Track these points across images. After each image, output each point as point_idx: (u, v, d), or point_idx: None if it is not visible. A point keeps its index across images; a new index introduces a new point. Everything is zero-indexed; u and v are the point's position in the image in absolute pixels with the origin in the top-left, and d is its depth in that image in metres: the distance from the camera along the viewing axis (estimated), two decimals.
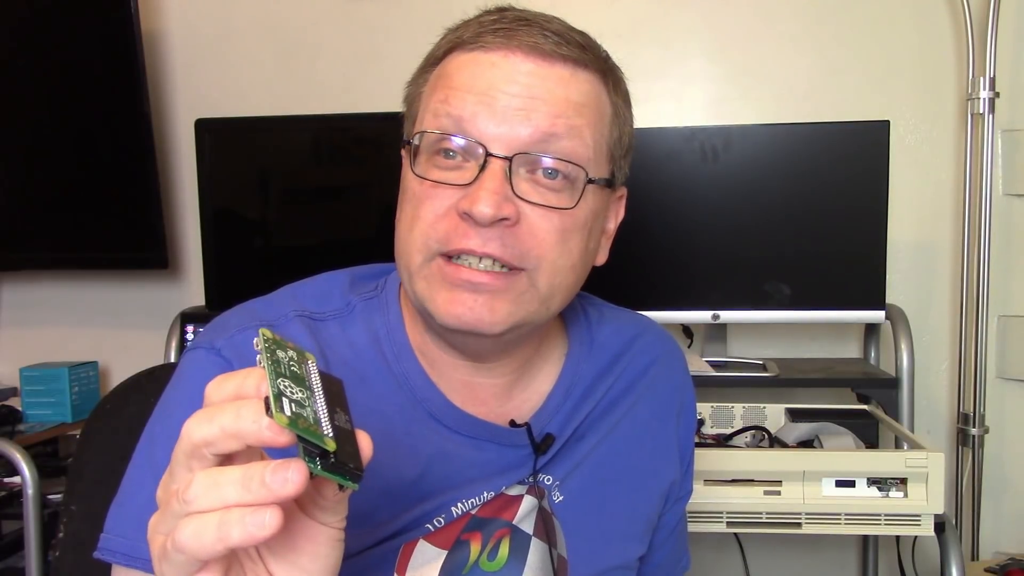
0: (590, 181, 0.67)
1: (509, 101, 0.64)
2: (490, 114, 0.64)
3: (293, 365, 0.44)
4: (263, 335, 0.44)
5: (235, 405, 0.43)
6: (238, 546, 0.41)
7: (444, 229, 0.65)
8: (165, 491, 0.45)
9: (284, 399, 0.41)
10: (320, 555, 0.47)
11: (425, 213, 0.66)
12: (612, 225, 0.76)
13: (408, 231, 0.67)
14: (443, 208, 0.65)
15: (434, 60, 0.71)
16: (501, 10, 0.69)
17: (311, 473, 0.41)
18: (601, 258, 0.75)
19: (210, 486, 0.42)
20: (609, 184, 0.70)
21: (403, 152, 0.72)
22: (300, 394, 0.42)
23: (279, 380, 0.42)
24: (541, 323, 0.70)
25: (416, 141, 0.67)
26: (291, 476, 0.41)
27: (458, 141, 0.65)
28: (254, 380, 0.43)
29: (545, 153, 0.65)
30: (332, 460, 0.42)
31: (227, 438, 0.42)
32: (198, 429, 0.43)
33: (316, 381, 0.44)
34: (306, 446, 0.41)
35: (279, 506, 0.41)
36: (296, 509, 0.47)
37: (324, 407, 0.43)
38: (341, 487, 0.44)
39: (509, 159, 0.64)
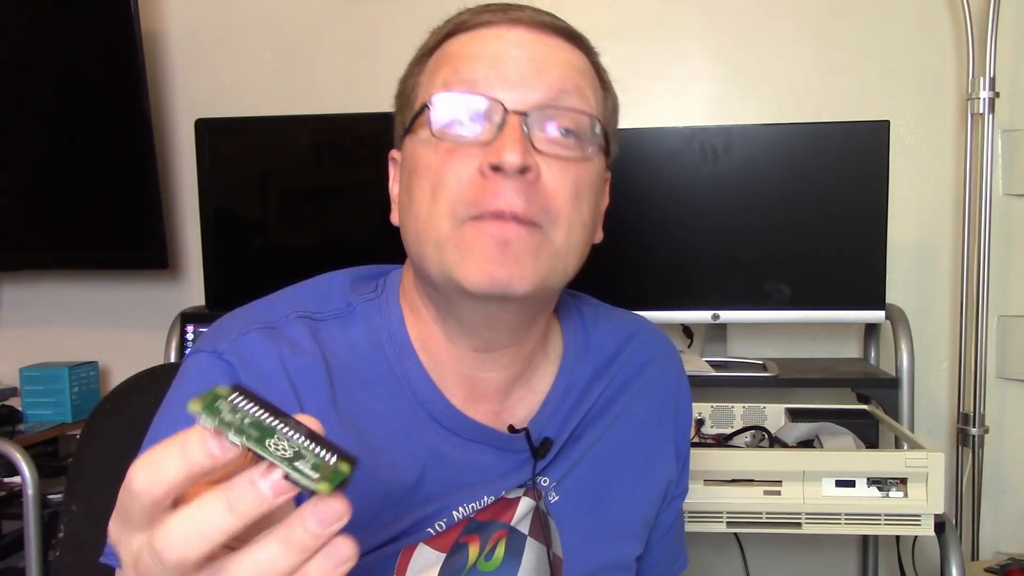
0: (600, 134, 0.69)
1: (519, 64, 0.67)
2: (502, 77, 0.66)
3: (256, 415, 0.39)
4: (206, 397, 0.38)
5: (209, 494, 0.38)
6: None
7: (471, 192, 0.65)
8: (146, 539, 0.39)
9: (298, 464, 0.37)
10: None
11: (448, 179, 0.65)
12: (602, 206, 0.77)
13: (431, 202, 0.66)
14: (466, 171, 0.65)
15: (429, 49, 0.72)
16: (487, 5, 0.72)
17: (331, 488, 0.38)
18: (598, 236, 0.76)
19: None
20: (607, 152, 0.72)
21: (394, 154, 0.72)
22: (284, 445, 0.38)
23: (243, 427, 0.38)
24: (558, 287, 0.71)
25: (429, 106, 0.67)
26: (336, 513, 0.38)
27: (473, 100, 0.66)
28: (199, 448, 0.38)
29: (558, 107, 0.67)
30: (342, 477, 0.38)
31: (231, 522, 0.38)
32: (179, 541, 0.37)
33: (264, 415, 0.39)
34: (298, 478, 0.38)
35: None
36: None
37: (305, 439, 0.38)
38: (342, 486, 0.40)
39: (525, 114, 0.65)
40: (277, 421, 0.39)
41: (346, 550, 0.38)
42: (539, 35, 0.69)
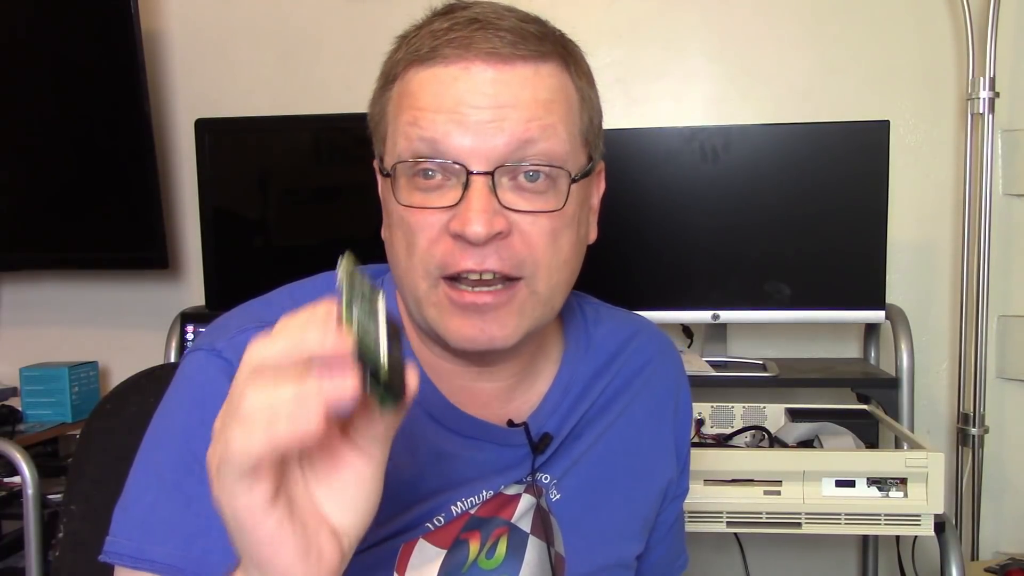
0: (574, 180, 0.67)
1: (479, 115, 0.64)
2: (463, 131, 0.64)
3: (365, 291, 0.46)
4: (349, 258, 0.47)
5: (299, 322, 0.44)
6: (286, 443, 0.42)
7: (440, 254, 0.65)
8: (222, 421, 0.46)
9: (355, 309, 0.45)
10: (362, 485, 0.48)
11: (419, 240, 0.66)
12: (596, 200, 0.76)
13: (407, 257, 0.67)
14: (435, 232, 0.65)
15: (393, 77, 0.70)
16: (450, 9, 0.68)
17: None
18: (592, 235, 0.75)
19: (265, 394, 0.43)
20: (588, 172, 0.71)
21: (375, 165, 0.72)
22: (367, 318, 0.45)
23: (354, 297, 0.45)
24: (548, 323, 0.72)
25: (393, 174, 0.67)
26: (346, 382, 0.42)
27: (434, 164, 0.65)
28: (324, 306, 0.45)
29: (524, 160, 0.65)
30: (381, 382, 0.44)
31: (290, 349, 0.43)
32: (261, 349, 0.44)
33: (381, 315, 0.46)
34: (360, 365, 0.43)
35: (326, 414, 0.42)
36: (340, 435, 0.48)
37: (384, 335, 0.45)
38: (382, 408, 0.46)
39: (491, 173, 0.64)
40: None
41: (315, 415, 0.41)
42: (500, 70, 0.65)
